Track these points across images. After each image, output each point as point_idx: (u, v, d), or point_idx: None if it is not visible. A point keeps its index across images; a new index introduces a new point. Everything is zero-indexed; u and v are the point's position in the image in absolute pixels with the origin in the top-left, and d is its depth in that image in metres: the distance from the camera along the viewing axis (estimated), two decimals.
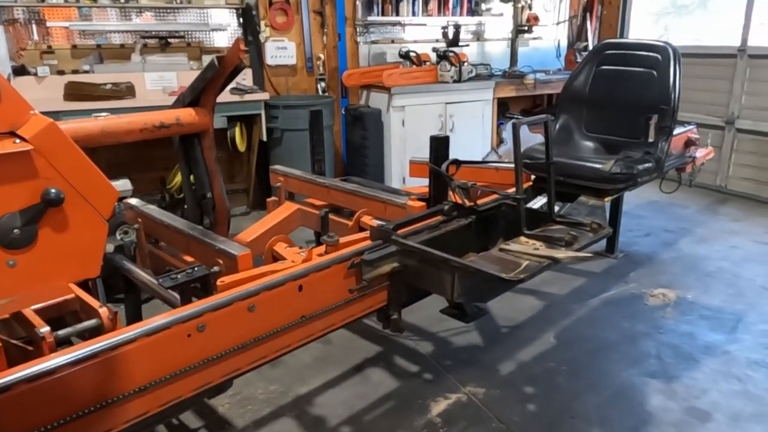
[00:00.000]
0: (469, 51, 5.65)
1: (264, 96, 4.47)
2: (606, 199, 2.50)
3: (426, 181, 2.60)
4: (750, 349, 2.78)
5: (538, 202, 2.48)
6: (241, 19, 4.72)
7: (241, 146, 4.61)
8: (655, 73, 2.76)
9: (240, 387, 2.45)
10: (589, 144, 2.92)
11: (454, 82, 5.05)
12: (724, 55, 5.21)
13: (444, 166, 2.36)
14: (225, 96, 4.27)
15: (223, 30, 4.71)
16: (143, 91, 4.29)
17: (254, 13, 4.69)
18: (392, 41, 5.47)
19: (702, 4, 6.37)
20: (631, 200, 4.76)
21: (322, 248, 2.02)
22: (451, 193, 2.34)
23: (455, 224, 2.27)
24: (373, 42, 5.37)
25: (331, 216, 2.77)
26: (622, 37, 6.25)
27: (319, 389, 2.53)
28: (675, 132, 3.91)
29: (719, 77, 5.26)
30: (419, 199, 2.49)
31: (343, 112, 5.26)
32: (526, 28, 5.64)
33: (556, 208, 2.38)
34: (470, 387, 2.51)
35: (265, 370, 2.55)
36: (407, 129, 4.91)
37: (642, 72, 2.81)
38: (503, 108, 5.73)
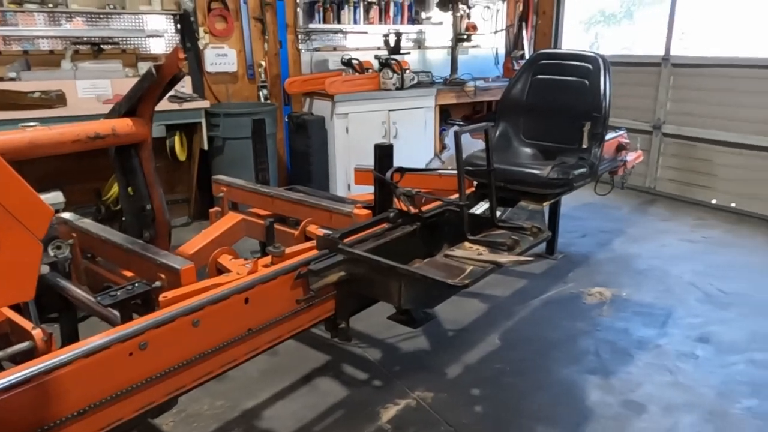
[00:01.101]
0: (411, 59, 5.74)
1: (204, 104, 4.38)
2: (544, 204, 2.60)
3: (371, 189, 2.62)
4: (679, 342, 2.95)
5: (481, 208, 2.54)
6: (178, 26, 4.61)
7: (182, 155, 4.49)
8: (586, 82, 2.90)
9: (185, 404, 2.38)
10: (528, 150, 3.03)
11: (397, 89, 5.11)
12: (650, 64, 5.51)
13: (388, 174, 2.39)
14: (163, 104, 4.12)
15: (159, 36, 4.58)
16: (75, 100, 4.11)
17: (192, 19, 4.59)
18: (334, 49, 5.48)
19: (628, 14, 6.70)
20: (569, 203, 4.94)
21: (267, 259, 2.00)
22: (396, 200, 2.37)
23: (401, 231, 2.29)
24: (315, 49, 5.37)
25: (276, 226, 2.75)
26: (556, 45, 6.50)
27: (268, 402, 2.50)
28: (607, 137, 4.11)
29: (646, 84, 5.56)
30: (365, 207, 2.50)
31: (286, 120, 5.22)
32: (465, 36, 5.77)
33: (498, 213, 2.44)
34: (419, 392, 2.54)
35: (211, 385, 2.49)
36: (351, 136, 4.92)
37: (575, 81, 2.94)
38: (445, 115, 5.85)
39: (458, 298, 3.35)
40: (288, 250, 2.02)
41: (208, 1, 4.73)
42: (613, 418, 2.38)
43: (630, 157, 4.41)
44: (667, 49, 5.38)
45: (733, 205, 5.05)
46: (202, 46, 4.72)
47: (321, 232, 2.38)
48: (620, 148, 4.21)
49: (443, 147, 5.66)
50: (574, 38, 6.61)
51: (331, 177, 5.06)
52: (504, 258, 1.91)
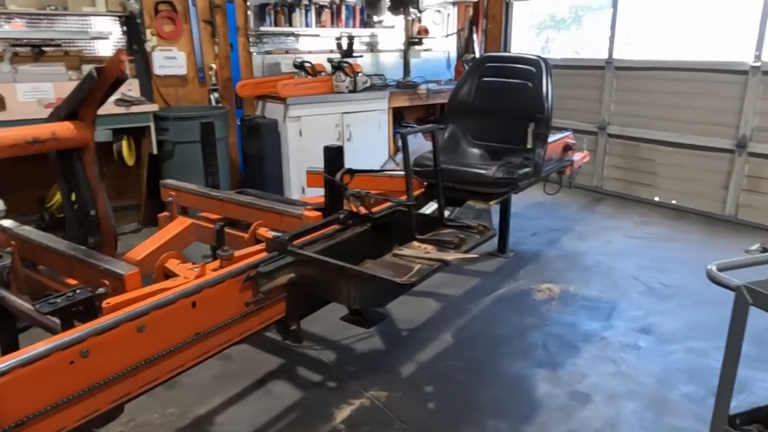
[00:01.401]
0: (364, 62, 5.78)
1: (152, 107, 4.30)
2: (491, 203, 2.66)
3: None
4: (622, 333, 3.07)
5: (430, 208, 2.59)
6: (124, 28, 4.50)
7: (130, 160, 4.39)
8: (530, 84, 2.99)
9: (134, 413, 2.34)
10: (476, 151, 3.10)
11: (350, 92, 5.13)
12: (595, 67, 5.72)
13: (338, 176, 2.41)
14: (109, 107, 4.06)
15: (104, 38, 4.46)
16: (15, 104, 3.97)
17: (138, 21, 4.50)
18: (286, 51, 5.47)
19: (577, 19, 6.93)
20: (519, 202, 5.07)
21: (216, 263, 1.99)
22: (346, 201, 2.39)
23: (351, 232, 2.31)
24: (267, 52, 5.33)
25: (227, 229, 2.72)
26: (505, 48, 6.66)
27: (220, 408, 2.47)
28: (553, 138, 4.23)
29: (592, 87, 5.77)
30: (315, 209, 2.51)
31: (239, 123, 5.17)
32: (416, 40, 5.85)
33: (447, 213, 2.50)
34: (373, 391, 2.57)
35: (162, 392, 2.45)
36: (305, 139, 4.91)
37: (519, 83, 3.03)
38: (399, 117, 5.91)
39: (412, 297, 3.40)
40: (237, 253, 2.02)
41: (155, 2, 4.65)
42: (560, 409, 2.46)
43: (577, 157, 4.56)
44: (610, 53, 5.60)
45: (673, 202, 5.28)
46: (149, 48, 4.63)
47: (271, 234, 2.38)
48: (567, 148, 4.35)
49: (397, 149, 5.71)
50: (525, 42, 6.79)
51: (285, 180, 5.04)
52: (450, 256, 1.96)
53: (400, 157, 5.82)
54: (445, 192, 2.41)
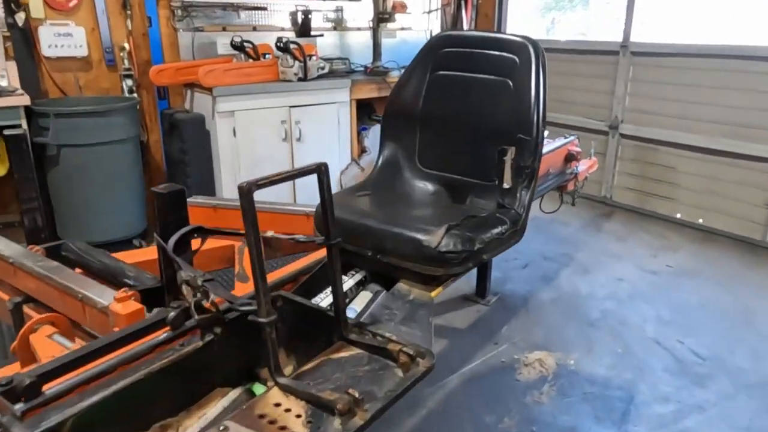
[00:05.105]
0: (327, 42, 4.75)
1: (22, 100, 3.22)
2: (434, 293, 1.61)
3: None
4: None
5: (329, 296, 1.57)
6: None
7: (1, 169, 3.37)
8: (510, 82, 1.84)
9: None
10: (425, 186, 1.99)
11: (299, 80, 4.09)
12: (607, 52, 4.65)
13: (171, 242, 1.40)
14: None
15: None
16: None
17: None
18: (223, 28, 4.39)
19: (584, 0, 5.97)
20: None
21: None
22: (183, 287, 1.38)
23: (184, 348, 1.32)
24: (197, 29, 4.26)
25: (28, 309, 1.73)
26: (499, 29, 5.58)
27: None
28: (554, 145, 3.24)
29: (602, 76, 4.70)
30: (146, 291, 1.51)
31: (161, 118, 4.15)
32: (387, 16, 4.77)
33: (369, 295, 1.50)
34: None
35: None
36: (240, 140, 3.89)
37: (493, 81, 1.87)
38: (367, 110, 4.87)
39: None
40: None
41: None
42: None
43: (582, 167, 3.59)
44: (626, 35, 4.52)
45: (700, 221, 4.26)
46: (22, 21, 3.52)
47: (57, 345, 1.39)
48: (570, 158, 3.38)
49: (362, 150, 4.69)
50: (526, 23, 5.72)
51: (218, 191, 4.03)
52: None
53: (365, 159, 4.80)
54: (368, 263, 1.40)
